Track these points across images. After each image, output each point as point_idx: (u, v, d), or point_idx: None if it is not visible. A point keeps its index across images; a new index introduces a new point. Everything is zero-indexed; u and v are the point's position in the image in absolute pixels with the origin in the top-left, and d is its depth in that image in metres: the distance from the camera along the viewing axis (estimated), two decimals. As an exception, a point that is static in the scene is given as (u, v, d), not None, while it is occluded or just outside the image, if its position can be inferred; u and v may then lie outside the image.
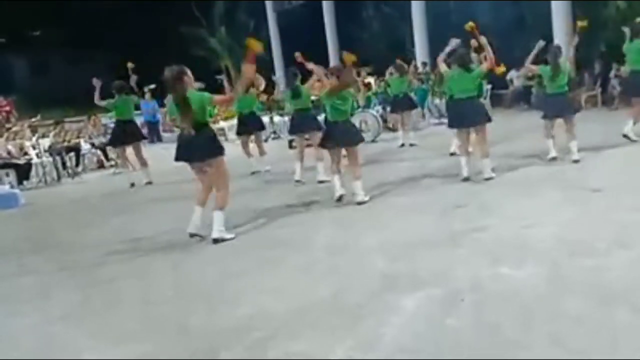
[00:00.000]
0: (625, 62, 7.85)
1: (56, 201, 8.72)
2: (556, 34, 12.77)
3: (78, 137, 11.99)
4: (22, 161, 10.19)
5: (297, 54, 7.37)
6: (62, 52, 21.69)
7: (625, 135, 7.21)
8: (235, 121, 9.61)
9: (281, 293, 3.69)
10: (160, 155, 12.80)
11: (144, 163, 9.07)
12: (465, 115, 6.36)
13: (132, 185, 8.81)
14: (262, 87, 8.94)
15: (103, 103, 8.77)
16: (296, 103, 7.50)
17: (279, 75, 15.09)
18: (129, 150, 9.20)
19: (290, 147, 10.30)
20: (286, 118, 11.11)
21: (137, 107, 15.99)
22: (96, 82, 8.53)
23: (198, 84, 5.53)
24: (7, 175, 9.72)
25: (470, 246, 4.14)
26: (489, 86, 13.57)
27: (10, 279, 4.75)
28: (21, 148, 10.45)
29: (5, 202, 8.26)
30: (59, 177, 10.57)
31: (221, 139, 6.79)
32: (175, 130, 15.57)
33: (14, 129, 11.50)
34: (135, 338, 3.28)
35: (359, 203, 5.78)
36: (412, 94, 11.79)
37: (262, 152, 8.84)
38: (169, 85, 4.92)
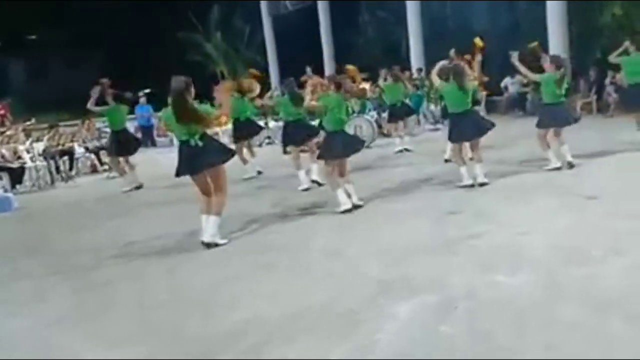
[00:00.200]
0: (619, 71, 7.90)
1: (50, 205, 8.68)
2: (551, 39, 12.85)
3: (72, 141, 11.93)
4: (15, 165, 10.12)
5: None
6: (58, 55, 21.66)
7: None
8: (229, 126, 9.58)
9: (276, 298, 3.68)
10: (154, 159, 12.80)
11: (130, 167, 9.04)
12: (463, 130, 6.35)
13: (137, 187, 8.79)
14: (257, 91, 8.91)
15: (96, 109, 8.73)
16: (291, 111, 7.47)
17: (274, 86, 15.05)
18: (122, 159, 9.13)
19: (285, 152, 10.30)
20: (280, 123, 11.10)
21: (130, 112, 15.98)
22: (94, 92, 8.45)
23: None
24: (1, 179, 9.65)
25: (465, 253, 4.13)
26: (484, 93, 13.63)
27: (4, 283, 4.73)
28: (15, 152, 10.38)
29: (-1, 206, 8.21)
30: (52, 181, 10.51)
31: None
32: (170, 134, 15.58)
33: (8, 132, 11.42)
34: (130, 342, 3.27)
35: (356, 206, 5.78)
36: (407, 100, 11.83)
37: (253, 154, 8.83)
38: (177, 95, 4.90)
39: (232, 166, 8.02)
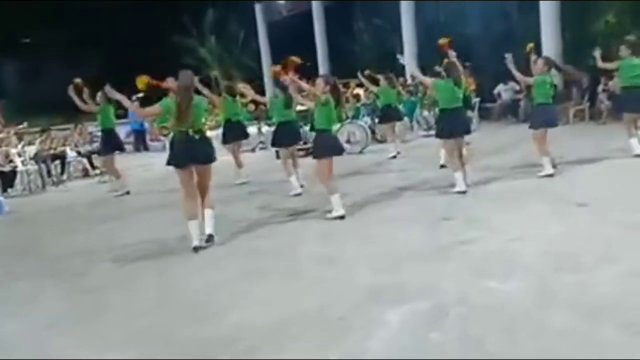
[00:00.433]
0: (612, 77, 7.94)
1: (41, 209, 8.62)
2: (544, 46, 12.92)
3: (64, 144, 11.86)
4: (7, 169, 10.04)
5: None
6: (51, 59, 21.56)
7: (638, 155, 7.17)
8: (220, 130, 9.52)
9: (266, 304, 3.66)
10: (147, 164, 12.75)
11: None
12: (453, 127, 6.38)
13: (127, 192, 8.72)
14: (250, 96, 8.90)
15: (94, 108, 8.67)
16: (284, 113, 7.48)
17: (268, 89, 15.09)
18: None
19: (278, 157, 10.29)
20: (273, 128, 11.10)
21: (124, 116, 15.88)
22: (71, 93, 8.33)
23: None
24: (-8, 182, 9.58)
25: (457, 259, 4.12)
26: (477, 99, 13.70)
27: (-6, 287, 4.68)
28: (7, 155, 10.30)
29: (-10, 209, 8.16)
30: (43, 185, 10.44)
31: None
32: (162, 139, 15.54)
33: (0, 136, 11.34)
34: (121, 346, 3.26)
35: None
36: (400, 106, 11.87)
37: (236, 163, 8.69)
38: (184, 89, 5.01)
39: (225, 169, 8.08)
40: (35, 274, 4.93)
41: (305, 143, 9.51)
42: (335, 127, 10.49)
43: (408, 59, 16.32)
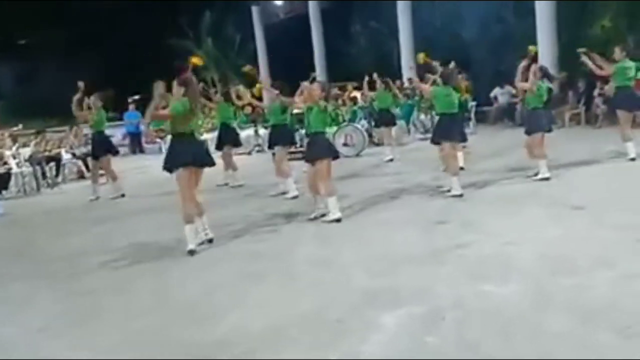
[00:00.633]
0: (608, 81, 7.98)
1: (35, 211, 8.58)
2: (541, 51, 12.95)
3: (59, 147, 11.81)
4: (1, 171, 9.99)
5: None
6: (47, 61, 21.49)
7: (633, 159, 7.22)
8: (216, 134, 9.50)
9: (262, 307, 3.64)
10: (142, 166, 12.72)
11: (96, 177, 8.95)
12: (451, 131, 6.40)
13: (122, 195, 8.66)
14: (247, 99, 8.89)
15: (88, 117, 8.63)
16: (280, 117, 7.50)
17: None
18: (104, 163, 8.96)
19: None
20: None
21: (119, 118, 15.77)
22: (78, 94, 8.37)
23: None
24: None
25: (453, 263, 4.11)
26: (474, 103, 13.73)
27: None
28: (1, 157, 10.24)
29: (-16, 212, 8.12)
30: (38, 187, 10.38)
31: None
32: (158, 141, 15.51)
33: (-5, 138, 11.30)
34: (115, 351, 3.24)
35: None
36: (397, 109, 11.89)
37: (230, 167, 8.67)
38: (195, 87, 5.06)
39: (219, 173, 8.07)
40: (30, 276, 4.89)
41: (302, 146, 9.51)
42: (333, 130, 10.59)
43: (405, 62, 16.37)
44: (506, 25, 14.92)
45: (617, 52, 7.49)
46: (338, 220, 5.61)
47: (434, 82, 6.80)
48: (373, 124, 11.40)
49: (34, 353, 3.35)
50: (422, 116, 13.13)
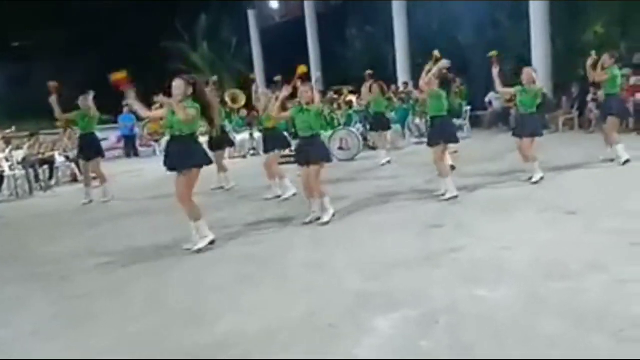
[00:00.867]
0: (601, 86, 8.03)
1: (28, 214, 8.53)
2: (534, 56, 13.05)
3: (53, 149, 11.75)
4: (-6, 173, 9.94)
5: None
6: (41, 63, 21.39)
7: (627, 161, 7.27)
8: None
9: (256, 311, 3.62)
10: (137, 169, 12.68)
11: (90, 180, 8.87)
12: (445, 132, 6.44)
13: (90, 201, 8.59)
14: (243, 102, 8.90)
15: (68, 115, 8.54)
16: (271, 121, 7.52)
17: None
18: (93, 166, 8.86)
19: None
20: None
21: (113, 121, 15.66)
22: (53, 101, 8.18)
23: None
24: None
25: (446, 266, 4.11)
26: (468, 107, 13.78)
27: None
28: (-6, 160, 10.19)
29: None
30: (31, 191, 10.32)
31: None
32: (153, 144, 15.47)
33: (-13, 140, 11.22)
34: (109, 354, 3.22)
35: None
36: (392, 113, 11.94)
37: (222, 169, 8.69)
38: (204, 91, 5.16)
39: (212, 175, 8.06)
40: (24, 279, 4.86)
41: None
42: (328, 133, 10.61)
43: (400, 66, 16.43)
44: (501, 29, 15.01)
45: (606, 59, 7.51)
46: (332, 215, 5.72)
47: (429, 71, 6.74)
48: (368, 127, 11.43)
49: (27, 356, 3.32)
50: (417, 120, 13.17)
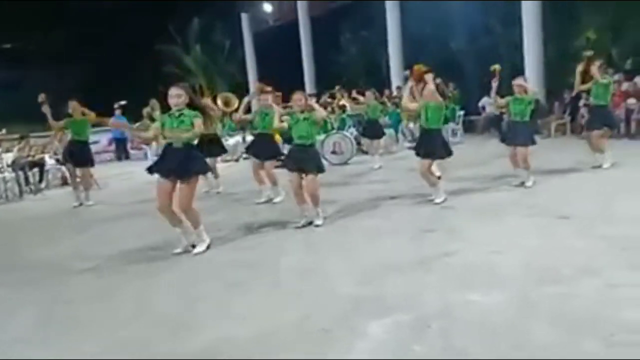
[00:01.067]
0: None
1: (17, 217, 8.45)
2: (527, 62, 13.14)
3: (43, 152, 11.65)
4: (-17, 176, 9.83)
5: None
6: (33, 65, 21.27)
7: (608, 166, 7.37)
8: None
9: (247, 316, 3.58)
10: (128, 173, 12.60)
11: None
12: (436, 148, 6.40)
13: (80, 205, 8.53)
14: (236, 105, 8.85)
15: (61, 123, 8.44)
16: (266, 126, 7.48)
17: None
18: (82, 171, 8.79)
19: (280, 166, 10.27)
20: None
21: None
22: (45, 109, 8.12)
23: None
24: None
25: (439, 271, 4.10)
26: (462, 112, 13.83)
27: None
28: (-17, 163, 10.09)
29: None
30: (20, 193, 10.21)
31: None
32: (144, 147, 15.36)
33: (-23, 143, 11.14)
34: (96, 361, 3.16)
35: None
36: (386, 118, 11.96)
37: (214, 173, 8.66)
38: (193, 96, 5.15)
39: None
40: (10, 284, 4.79)
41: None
42: (321, 137, 10.59)
43: (394, 70, 16.46)
44: (494, 35, 15.11)
45: (594, 69, 7.54)
46: (324, 219, 5.78)
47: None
48: (363, 133, 11.43)
49: (12, 361, 3.26)
50: (411, 124, 13.19)
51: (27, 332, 3.68)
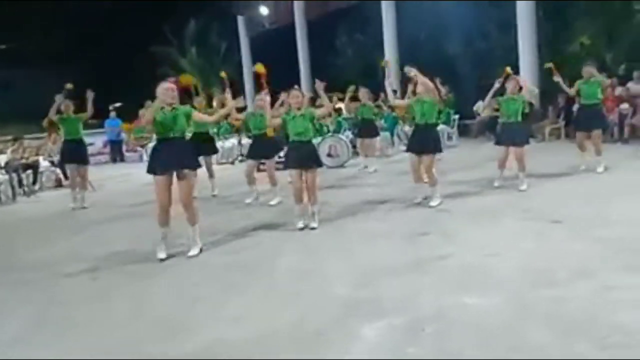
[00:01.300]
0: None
1: (10, 220, 8.38)
2: (522, 66, 13.18)
3: (37, 154, 11.57)
4: (-24, 178, 9.75)
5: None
6: (27, 66, 21.20)
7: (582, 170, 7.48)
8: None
9: (241, 319, 3.57)
10: (123, 175, 12.55)
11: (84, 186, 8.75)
12: (423, 141, 6.43)
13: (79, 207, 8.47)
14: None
15: (55, 117, 8.39)
16: (261, 127, 7.47)
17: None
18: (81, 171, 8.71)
19: (259, 169, 10.23)
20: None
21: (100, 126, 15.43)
22: (58, 98, 8.18)
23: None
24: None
25: (433, 274, 4.10)
26: (457, 116, 13.86)
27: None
28: (-24, 165, 10.01)
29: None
30: (14, 196, 10.13)
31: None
32: (139, 149, 15.31)
33: (-30, 144, 11.05)
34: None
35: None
36: (382, 121, 11.95)
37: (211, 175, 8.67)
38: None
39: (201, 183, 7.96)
40: (6, 285, 4.76)
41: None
42: (317, 140, 10.58)
43: (390, 74, 16.47)
44: (489, 40, 15.16)
45: (585, 72, 7.59)
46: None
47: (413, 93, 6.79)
48: (357, 134, 11.43)
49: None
50: (407, 127, 13.19)
51: (23, 333, 3.66)
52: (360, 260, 4.61)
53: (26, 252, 5.96)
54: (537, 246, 4.57)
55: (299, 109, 5.81)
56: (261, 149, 7.50)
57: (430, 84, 6.36)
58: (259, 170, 7.88)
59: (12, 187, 10.17)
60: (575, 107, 11.94)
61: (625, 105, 11.08)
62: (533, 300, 3.44)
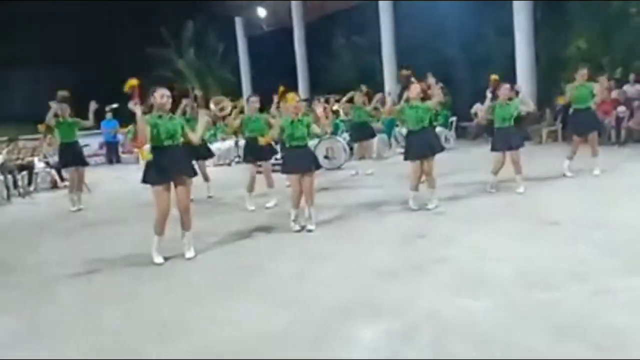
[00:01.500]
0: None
1: (5, 221, 8.34)
2: (519, 70, 13.21)
3: (32, 155, 11.51)
4: (-29, 179, 9.69)
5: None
6: (21, 67, 21.11)
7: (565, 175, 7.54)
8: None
9: (237, 322, 3.55)
10: (119, 176, 12.49)
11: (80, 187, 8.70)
12: (422, 146, 6.35)
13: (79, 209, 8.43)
14: (228, 110, 8.80)
15: (51, 121, 8.35)
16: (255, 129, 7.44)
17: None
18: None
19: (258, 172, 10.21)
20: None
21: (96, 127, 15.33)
22: (52, 104, 8.07)
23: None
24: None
25: (430, 277, 4.08)
26: (454, 118, 13.86)
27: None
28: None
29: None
30: (8, 197, 10.07)
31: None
32: (135, 151, 15.23)
33: (-35, 145, 10.97)
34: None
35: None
36: (379, 123, 11.93)
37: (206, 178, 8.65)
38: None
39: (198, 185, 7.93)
40: (-2, 287, 4.72)
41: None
42: (314, 142, 10.55)
43: (387, 76, 16.49)
44: (487, 43, 15.17)
45: (579, 76, 7.59)
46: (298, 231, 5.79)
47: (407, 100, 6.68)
48: (353, 137, 11.41)
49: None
50: (404, 130, 13.18)
51: (14, 336, 3.63)
52: (357, 262, 4.58)
53: (21, 254, 5.93)
54: (533, 249, 4.55)
55: (296, 114, 5.79)
56: (257, 151, 7.45)
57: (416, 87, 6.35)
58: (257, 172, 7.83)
59: (7, 188, 10.13)
60: (572, 111, 12.00)
61: (622, 108, 11.10)
62: (528, 303, 3.42)
